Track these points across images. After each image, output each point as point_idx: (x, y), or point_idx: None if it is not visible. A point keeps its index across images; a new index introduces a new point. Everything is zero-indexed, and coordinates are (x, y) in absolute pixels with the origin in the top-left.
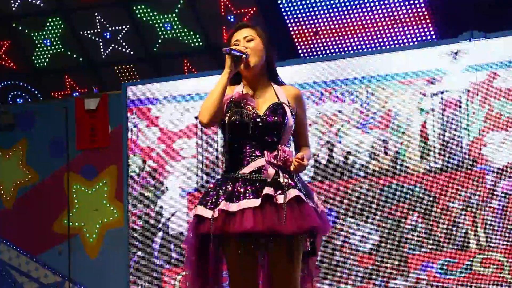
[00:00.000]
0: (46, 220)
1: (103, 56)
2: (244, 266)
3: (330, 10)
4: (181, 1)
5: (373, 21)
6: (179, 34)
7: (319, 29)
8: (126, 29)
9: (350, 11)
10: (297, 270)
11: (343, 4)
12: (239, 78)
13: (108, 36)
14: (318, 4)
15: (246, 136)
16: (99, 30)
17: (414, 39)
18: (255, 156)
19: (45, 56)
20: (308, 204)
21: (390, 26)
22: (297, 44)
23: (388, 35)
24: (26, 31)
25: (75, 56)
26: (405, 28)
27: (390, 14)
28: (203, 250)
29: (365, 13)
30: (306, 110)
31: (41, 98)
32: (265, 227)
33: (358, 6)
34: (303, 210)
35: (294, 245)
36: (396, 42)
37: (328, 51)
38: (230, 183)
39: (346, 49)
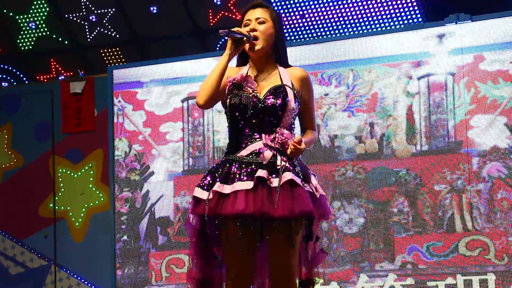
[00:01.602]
0: (32, 204)
1: (89, 39)
2: (241, 249)
3: None
4: None
5: (359, 3)
6: (165, 17)
7: (305, 12)
8: (112, 11)
9: None
10: (294, 254)
11: None
12: (248, 59)
13: (93, 19)
14: None
15: (246, 118)
16: (84, 13)
17: (401, 22)
18: (254, 138)
19: (30, 39)
20: (303, 188)
21: (376, 9)
22: (283, 27)
23: (375, 18)
24: (11, 13)
25: (60, 39)
26: (391, 11)
27: None
28: (204, 232)
29: None
30: (312, 92)
31: (26, 82)
32: (256, 210)
33: None
34: (296, 195)
35: (292, 229)
36: (382, 25)
37: (314, 34)
38: (227, 165)
39: (332, 32)
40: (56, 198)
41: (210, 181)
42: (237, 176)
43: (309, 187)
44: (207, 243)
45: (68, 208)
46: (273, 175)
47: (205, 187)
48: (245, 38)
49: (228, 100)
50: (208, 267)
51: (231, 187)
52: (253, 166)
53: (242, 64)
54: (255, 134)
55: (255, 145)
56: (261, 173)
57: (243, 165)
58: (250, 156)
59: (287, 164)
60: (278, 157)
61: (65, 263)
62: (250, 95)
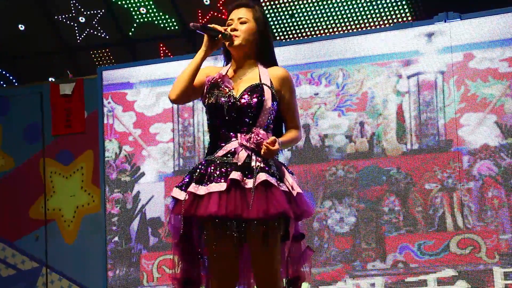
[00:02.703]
0: (23, 206)
1: (78, 41)
2: (222, 249)
3: None
4: None
5: (348, 2)
6: (154, 18)
7: (294, 11)
8: (101, 13)
9: None
10: (274, 254)
11: None
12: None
13: (83, 20)
14: None
15: (222, 118)
16: (74, 14)
17: (390, 21)
18: (230, 138)
19: (20, 41)
20: (277, 188)
21: (365, 8)
22: (272, 26)
23: (364, 16)
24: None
25: (50, 40)
26: (381, 10)
27: None
28: (187, 233)
29: None
30: (294, 91)
31: (15, 84)
32: (228, 212)
33: None
34: (270, 195)
35: (269, 230)
36: (371, 23)
37: (304, 34)
38: (205, 166)
39: (321, 31)
40: (47, 200)
41: (188, 181)
42: (213, 177)
43: (285, 186)
44: (190, 243)
45: (59, 210)
46: (248, 176)
47: (183, 188)
48: (220, 35)
49: (206, 100)
50: (191, 268)
51: (206, 188)
52: (227, 167)
53: (228, 63)
54: (231, 134)
55: (231, 145)
56: (235, 175)
57: (219, 166)
58: (226, 156)
59: (262, 165)
60: (253, 158)
61: (57, 265)
62: (227, 95)
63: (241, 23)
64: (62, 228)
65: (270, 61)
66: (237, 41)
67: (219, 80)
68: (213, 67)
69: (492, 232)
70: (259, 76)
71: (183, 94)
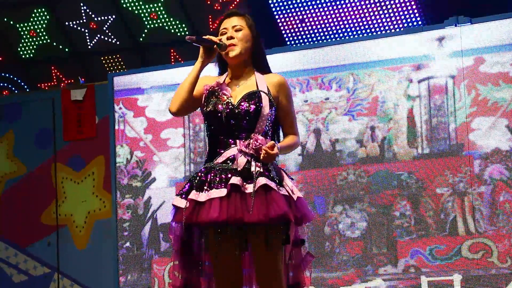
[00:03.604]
0: (34, 211)
1: (89, 47)
2: (224, 255)
3: None
4: None
5: (359, 7)
6: (164, 24)
7: (305, 16)
8: (112, 19)
9: None
10: (276, 258)
11: None
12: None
13: (93, 26)
14: None
15: (221, 125)
16: (84, 20)
17: (400, 25)
18: (229, 145)
19: (31, 47)
20: (277, 192)
21: (375, 13)
22: (283, 31)
23: (374, 21)
24: (12, 22)
25: (61, 46)
26: (391, 14)
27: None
28: (188, 240)
29: (351, 0)
30: (291, 97)
31: (27, 90)
32: (229, 216)
33: None
34: (270, 199)
35: (270, 234)
36: (382, 28)
37: (314, 39)
38: (205, 173)
39: (332, 36)
40: (59, 205)
41: (188, 189)
42: (213, 183)
43: (284, 190)
44: (191, 251)
45: (71, 215)
46: (248, 181)
47: (183, 195)
48: (215, 45)
49: (204, 108)
50: (191, 275)
51: (207, 195)
52: (227, 173)
53: (223, 72)
54: (230, 140)
55: (230, 152)
56: (235, 180)
57: (219, 172)
58: (226, 163)
59: (261, 170)
60: (253, 163)
61: (68, 270)
62: (225, 102)
63: (236, 30)
64: (73, 234)
65: (265, 68)
66: (236, 50)
67: (216, 88)
68: (211, 76)
69: (504, 236)
70: (256, 83)
71: (183, 106)
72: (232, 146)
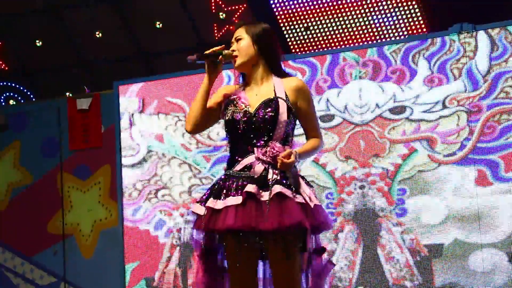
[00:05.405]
0: (41, 221)
1: (95, 55)
2: (241, 262)
3: (321, 5)
4: None
5: (363, 15)
6: (170, 32)
7: (309, 24)
8: (117, 27)
9: (341, 6)
10: (294, 266)
11: None
12: None
13: (100, 35)
14: None
15: (239, 133)
16: (90, 28)
17: (405, 33)
18: (247, 153)
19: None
20: (292, 200)
21: (380, 20)
22: (287, 39)
23: (379, 29)
24: (18, 31)
25: (67, 55)
26: (396, 22)
27: (380, 8)
28: (210, 247)
29: (355, 7)
30: (311, 100)
31: (33, 99)
32: (244, 224)
33: (348, 0)
34: (285, 207)
35: (286, 242)
36: (387, 36)
37: (319, 46)
38: (223, 180)
39: (337, 43)
40: (65, 214)
41: (207, 197)
42: (230, 191)
43: (301, 198)
44: (213, 258)
45: (77, 224)
46: (264, 189)
47: (202, 203)
48: (220, 56)
49: (224, 117)
50: (213, 281)
51: (223, 203)
52: (244, 181)
53: (244, 80)
54: (248, 148)
55: (248, 159)
56: (250, 188)
57: (237, 180)
58: (243, 170)
59: (278, 177)
60: (270, 171)
61: (75, 280)
62: (242, 111)
63: (237, 41)
64: (80, 243)
65: (280, 71)
66: (238, 60)
67: (235, 97)
68: (230, 86)
69: None
70: (274, 89)
71: (198, 124)
72: (250, 154)
